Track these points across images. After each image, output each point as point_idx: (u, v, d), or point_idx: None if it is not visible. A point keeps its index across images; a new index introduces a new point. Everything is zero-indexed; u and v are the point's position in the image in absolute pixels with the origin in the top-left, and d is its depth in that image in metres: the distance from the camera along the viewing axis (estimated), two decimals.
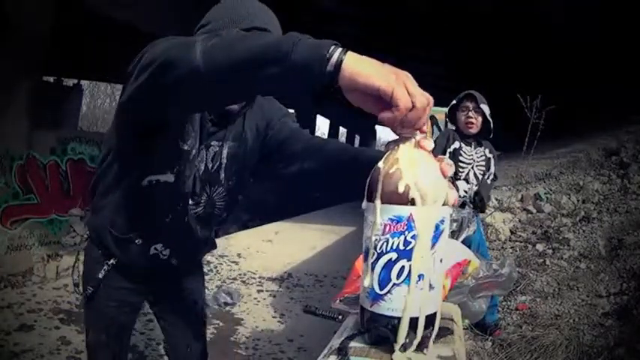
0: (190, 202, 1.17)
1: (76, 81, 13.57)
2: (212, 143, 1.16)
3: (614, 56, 5.90)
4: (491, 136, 2.72)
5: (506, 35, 6.14)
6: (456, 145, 2.68)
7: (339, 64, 0.62)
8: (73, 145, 5.29)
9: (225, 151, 1.17)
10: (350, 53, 0.63)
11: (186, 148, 1.09)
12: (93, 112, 23.47)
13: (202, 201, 1.19)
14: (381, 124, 0.61)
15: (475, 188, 2.71)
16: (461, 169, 2.71)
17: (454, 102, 2.73)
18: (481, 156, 2.71)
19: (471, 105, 2.63)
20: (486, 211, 2.92)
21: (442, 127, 3.99)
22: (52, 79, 12.27)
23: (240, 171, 1.22)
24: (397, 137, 0.64)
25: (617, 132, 5.05)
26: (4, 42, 4.29)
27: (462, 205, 2.34)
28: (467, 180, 2.69)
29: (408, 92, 0.58)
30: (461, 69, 8.36)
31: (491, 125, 2.67)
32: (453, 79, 8.90)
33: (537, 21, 5.53)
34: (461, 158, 2.69)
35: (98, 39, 8.49)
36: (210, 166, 1.17)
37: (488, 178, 2.79)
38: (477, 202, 2.72)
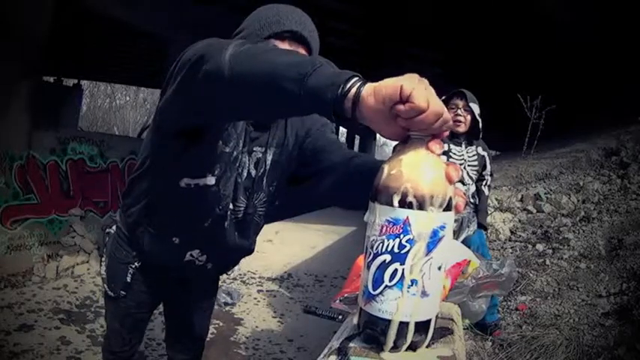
0: (231, 207, 1.16)
1: (76, 81, 13.57)
2: (254, 149, 1.15)
3: (614, 56, 5.89)
4: (480, 136, 2.68)
5: (507, 35, 6.13)
6: (445, 147, 2.65)
7: (357, 92, 0.60)
8: (73, 145, 5.28)
9: (269, 158, 1.17)
10: (369, 83, 0.62)
11: (227, 150, 1.09)
12: (93, 112, 23.42)
13: (243, 207, 1.19)
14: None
15: (472, 189, 2.67)
16: None
17: (443, 98, 2.64)
18: (473, 155, 2.66)
19: (460, 103, 2.58)
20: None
21: None
22: (52, 79, 12.27)
23: (280, 177, 1.21)
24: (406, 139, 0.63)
25: (617, 132, 5.05)
26: (3, 42, 4.28)
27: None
28: (462, 182, 2.64)
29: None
30: (461, 69, 8.36)
31: (480, 125, 2.63)
32: (454, 79, 8.89)
33: (538, 21, 5.53)
34: (451, 160, 2.61)
35: (98, 39, 8.49)
36: (253, 172, 1.16)
37: (486, 184, 2.73)
38: (479, 218, 2.69)
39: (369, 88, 0.60)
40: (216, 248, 1.23)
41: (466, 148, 2.66)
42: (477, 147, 2.69)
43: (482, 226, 2.76)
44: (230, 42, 0.78)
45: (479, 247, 2.62)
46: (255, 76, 0.71)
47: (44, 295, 4.03)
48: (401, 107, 0.56)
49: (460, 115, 2.58)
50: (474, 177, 2.68)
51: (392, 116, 0.58)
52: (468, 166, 2.66)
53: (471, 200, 2.68)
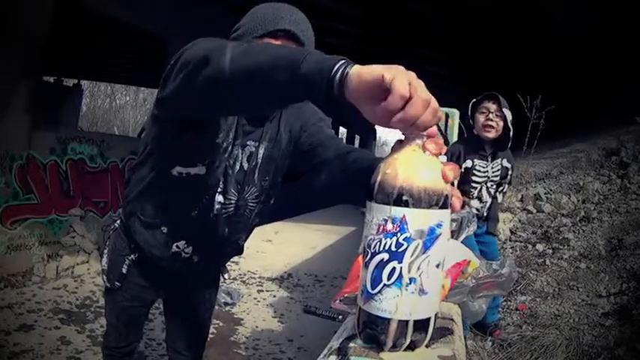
0: (222, 200, 1.18)
1: (76, 81, 13.58)
2: (248, 143, 1.17)
3: (614, 56, 5.89)
4: (509, 145, 2.46)
5: (507, 35, 6.14)
6: (468, 163, 2.42)
7: (344, 74, 0.62)
8: (73, 145, 5.28)
9: (261, 152, 1.18)
10: (356, 65, 0.63)
11: (218, 140, 1.11)
12: (93, 112, 23.44)
13: (234, 201, 1.20)
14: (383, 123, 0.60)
15: (488, 204, 2.52)
16: (473, 188, 2.47)
17: (474, 100, 2.48)
18: (497, 170, 2.48)
19: (492, 107, 2.39)
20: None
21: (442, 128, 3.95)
22: (52, 79, 12.28)
23: (273, 172, 1.22)
24: (404, 138, 0.63)
25: (617, 132, 5.05)
26: (3, 42, 4.28)
27: (462, 206, 2.25)
28: (480, 198, 2.49)
29: (410, 84, 0.57)
30: (460, 69, 8.36)
31: (511, 133, 2.40)
32: (453, 79, 8.90)
33: (538, 21, 5.53)
34: (474, 178, 2.44)
35: (98, 39, 8.49)
36: (245, 166, 1.18)
37: (501, 191, 2.57)
38: (489, 227, 2.57)
39: (355, 69, 0.62)
40: (203, 241, 1.24)
41: (491, 162, 2.47)
42: (502, 159, 2.49)
43: (492, 234, 2.61)
44: (230, 43, 0.80)
45: (492, 254, 2.51)
46: (253, 71, 0.74)
47: (44, 295, 4.03)
48: (389, 100, 0.57)
49: (491, 120, 2.38)
50: (493, 192, 2.52)
51: (374, 100, 0.59)
52: (489, 181, 2.49)
53: (485, 214, 2.54)
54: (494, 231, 2.64)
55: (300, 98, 0.74)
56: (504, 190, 2.62)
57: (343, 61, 0.64)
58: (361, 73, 0.60)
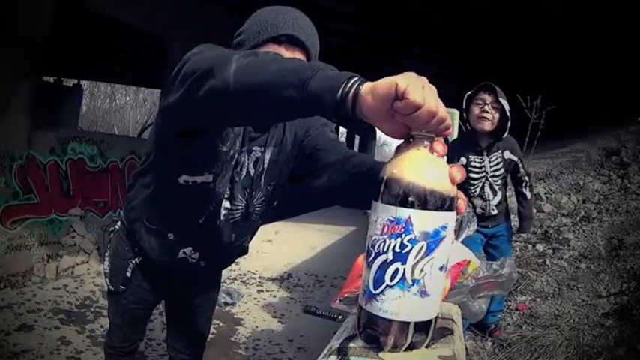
0: (228, 206, 1.17)
1: (76, 81, 13.57)
2: (254, 148, 1.16)
3: (614, 56, 5.89)
4: (504, 135, 2.36)
5: (507, 35, 6.13)
6: (462, 161, 2.36)
7: (356, 92, 0.61)
8: (73, 145, 5.27)
9: (267, 157, 1.18)
10: (368, 82, 0.63)
11: (224, 149, 1.10)
12: (93, 112, 23.41)
13: (241, 207, 1.20)
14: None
15: (494, 202, 2.42)
16: (472, 186, 2.38)
17: (469, 93, 2.39)
18: (496, 164, 2.39)
19: (488, 98, 2.29)
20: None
21: None
22: (52, 79, 12.27)
23: (278, 177, 1.22)
24: (412, 139, 0.62)
25: (617, 132, 5.05)
26: (3, 42, 4.28)
27: None
28: (482, 196, 2.40)
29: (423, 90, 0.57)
30: (460, 68, 8.35)
31: (509, 124, 2.31)
32: (453, 79, 8.89)
33: (538, 21, 5.53)
34: (471, 175, 2.35)
35: (98, 39, 8.49)
36: (252, 172, 1.17)
37: (525, 186, 2.46)
38: (524, 227, 2.50)
39: (367, 87, 0.61)
40: (210, 246, 1.24)
41: (488, 156, 2.38)
42: (502, 151, 2.39)
43: (510, 238, 2.55)
44: (234, 54, 0.78)
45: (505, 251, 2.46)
46: (258, 87, 0.72)
47: (44, 295, 4.03)
48: (398, 104, 0.56)
49: (487, 112, 2.29)
50: (498, 188, 2.42)
51: (390, 114, 0.59)
52: (491, 177, 2.39)
53: (492, 213, 2.44)
54: (528, 231, 2.54)
55: (309, 115, 0.73)
56: (529, 184, 2.49)
57: (355, 79, 0.63)
58: (375, 86, 0.59)
